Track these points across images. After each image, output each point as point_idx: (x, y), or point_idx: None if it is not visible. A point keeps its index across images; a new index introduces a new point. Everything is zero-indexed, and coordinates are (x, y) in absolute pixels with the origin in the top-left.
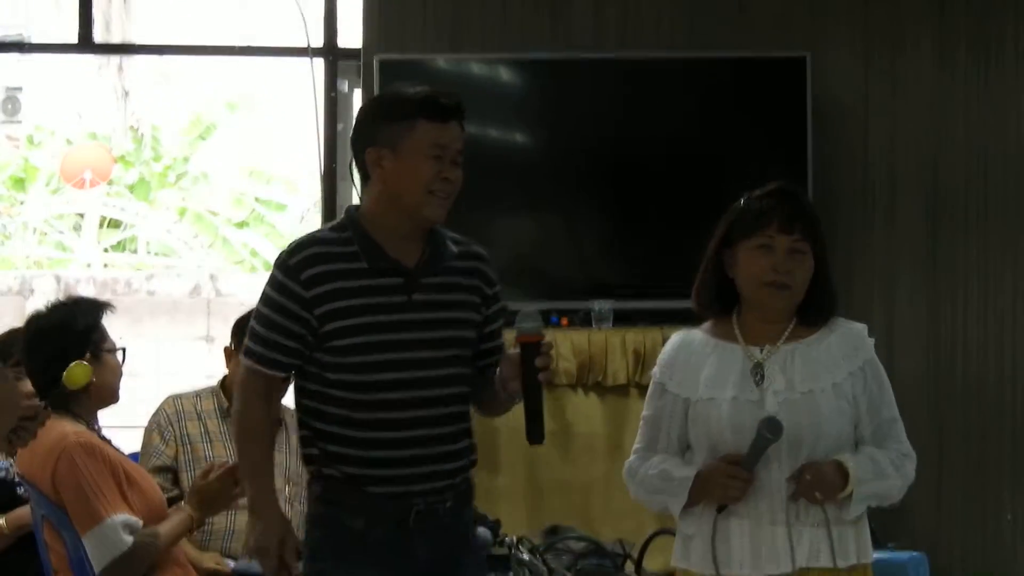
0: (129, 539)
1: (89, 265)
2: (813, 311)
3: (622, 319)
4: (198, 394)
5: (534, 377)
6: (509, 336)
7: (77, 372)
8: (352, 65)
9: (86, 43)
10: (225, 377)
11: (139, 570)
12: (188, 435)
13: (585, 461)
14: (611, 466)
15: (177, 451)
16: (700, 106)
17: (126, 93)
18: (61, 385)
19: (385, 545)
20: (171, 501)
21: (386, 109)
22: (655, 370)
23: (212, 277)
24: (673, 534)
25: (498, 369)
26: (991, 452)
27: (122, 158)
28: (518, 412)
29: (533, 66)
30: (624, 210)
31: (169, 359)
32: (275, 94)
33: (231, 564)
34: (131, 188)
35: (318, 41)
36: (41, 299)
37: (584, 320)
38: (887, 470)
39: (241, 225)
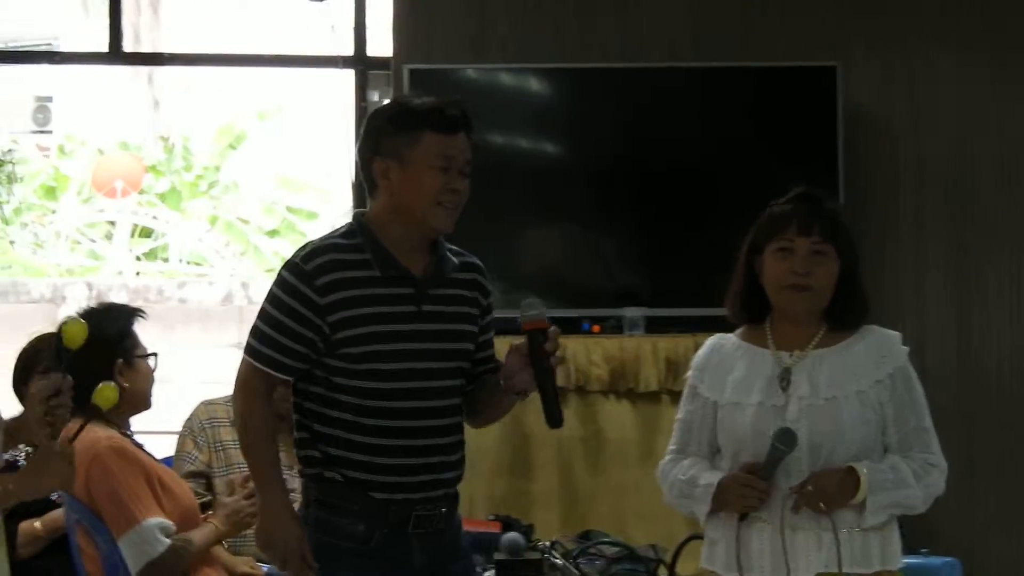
0: (166, 542)
1: (121, 273)
2: (841, 315)
3: (654, 326)
4: (230, 400)
5: (545, 362)
6: (500, 346)
7: (106, 393)
8: (382, 75)
9: (116, 53)
10: None
11: (175, 573)
12: (221, 441)
13: (617, 467)
14: (643, 472)
15: (210, 456)
16: (730, 115)
17: (156, 103)
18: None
19: (385, 549)
20: (204, 507)
21: (392, 120)
22: (689, 373)
23: (244, 285)
24: None
25: (503, 366)
26: None
27: (153, 167)
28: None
29: (561, 75)
30: (655, 218)
31: (201, 366)
32: (305, 104)
33: (264, 568)
34: (162, 197)
35: (348, 51)
36: (73, 306)
37: (616, 327)
38: (908, 479)
39: (272, 233)
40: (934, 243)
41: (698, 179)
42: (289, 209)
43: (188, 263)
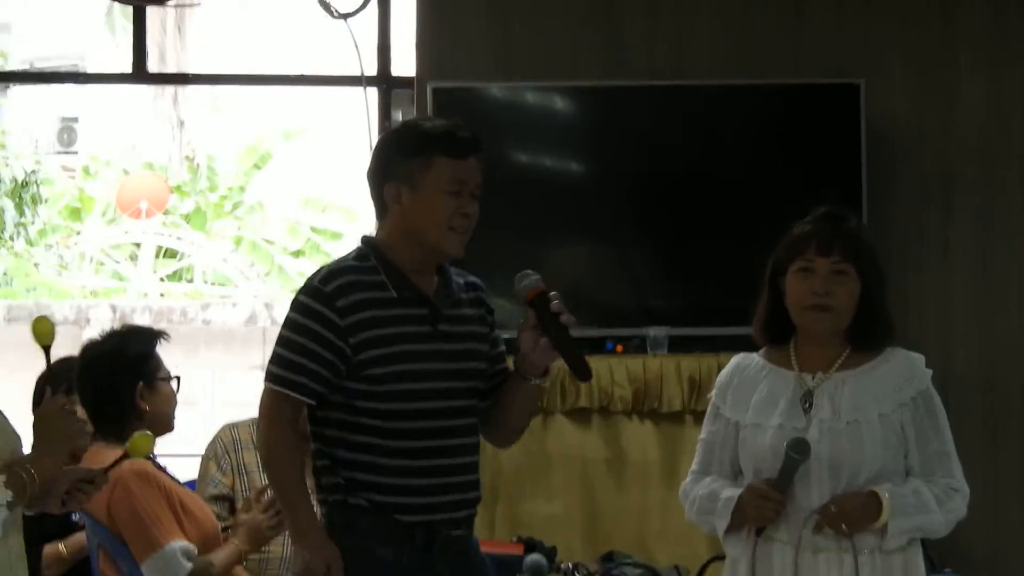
0: (188, 565)
1: (146, 294)
2: (864, 335)
3: (677, 346)
4: (254, 423)
5: (557, 322)
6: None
7: (140, 443)
8: (406, 94)
9: (141, 73)
10: None
11: None
12: (245, 464)
13: (641, 487)
14: (667, 493)
15: (234, 480)
16: (753, 133)
17: (181, 123)
18: (114, 414)
19: (412, 573)
20: (227, 530)
21: (404, 144)
22: (713, 392)
23: (267, 306)
24: None
25: (519, 351)
26: None
27: (178, 188)
28: (568, 434)
29: (586, 93)
30: (678, 237)
31: (225, 388)
32: (330, 123)
33: None
34: (187, 218)
35: (372, 70)
36: (97, 329)
37: (639, 347)
38: (930, 504)
39: (297, 254)
40: (960, 262)
41: (722, 198)
42: (314, 229)
43: (213, 284)
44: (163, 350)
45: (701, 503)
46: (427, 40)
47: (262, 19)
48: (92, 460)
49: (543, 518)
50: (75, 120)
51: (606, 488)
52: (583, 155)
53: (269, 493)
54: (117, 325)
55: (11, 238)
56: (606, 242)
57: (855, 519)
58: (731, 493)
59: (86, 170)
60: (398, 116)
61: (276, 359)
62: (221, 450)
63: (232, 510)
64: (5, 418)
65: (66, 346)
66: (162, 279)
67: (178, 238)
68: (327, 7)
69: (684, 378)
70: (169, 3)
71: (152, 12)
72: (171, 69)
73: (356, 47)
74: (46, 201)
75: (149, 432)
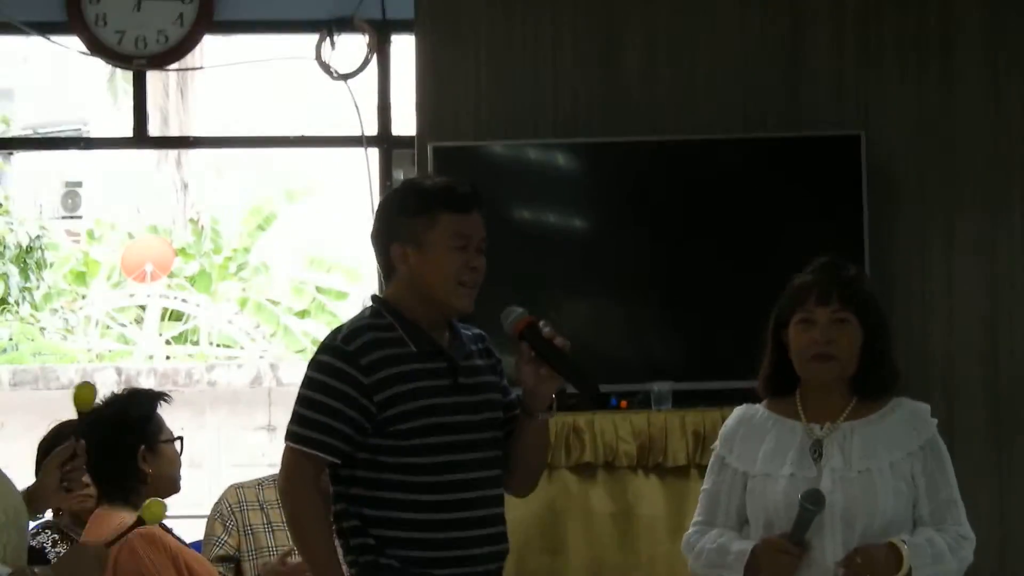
0: None
1: (151, 357)
2: (870, 383)
3: (681, 400)
4: (260, 483)
5: (553, 347)
6: None
7: (153, 509)
8: (407, 153)
9: (142, 137)
10: None
11: None
12: (251, 525)
13: (646, 542)
14: (672, 547)
15: (240, 541)
16: (755, 186)
17: (185, 185)
18: (117, 477)
19: None
20: None
21: (406, 204)
22: (716, 443)
23: (272, 367)
24: None
25: (522, 389)
26: None
27: (182, 250)
28: (574, 489)
29: (587, 150)
30: (681, 291)
31: (231, 449)
32: (333, 183)
33: None
34: (192, 280)
35: (372, 130)
36: (102, 393)
37: (643, 402)
38: (945, 554)
39: (302, 314)
40: (964, 309)
41: (724, 252)
42: (318, 289)
43: (218, 345)
44: (167, 412)
45: (709, 556)
46: (427, 99)
47: (264, 81)
48: (98, 523)
49: (551, 572)
50: (79, 184)
51: (613, 542)
52: (585, 211)
53: (294, 556)
54: (121, 388)
55: (16, 303)
56: (609, 297)
57: (880, 571)
58: (742, 547)
59: (90, 234)
60: (399, 175)
61: (297, 419)
62: (227, 511)
63: (238, 571)
64: (8, 480)
65: (70, 410)
66: (168, 341)
67: (183, 300)
68: (327, 68)
69: (689, 432)
70: (170, 67)
71: (154, 76)
72: (174, 132)
73: (356, 108)
74: (51, 266)
75: (161, 500)
